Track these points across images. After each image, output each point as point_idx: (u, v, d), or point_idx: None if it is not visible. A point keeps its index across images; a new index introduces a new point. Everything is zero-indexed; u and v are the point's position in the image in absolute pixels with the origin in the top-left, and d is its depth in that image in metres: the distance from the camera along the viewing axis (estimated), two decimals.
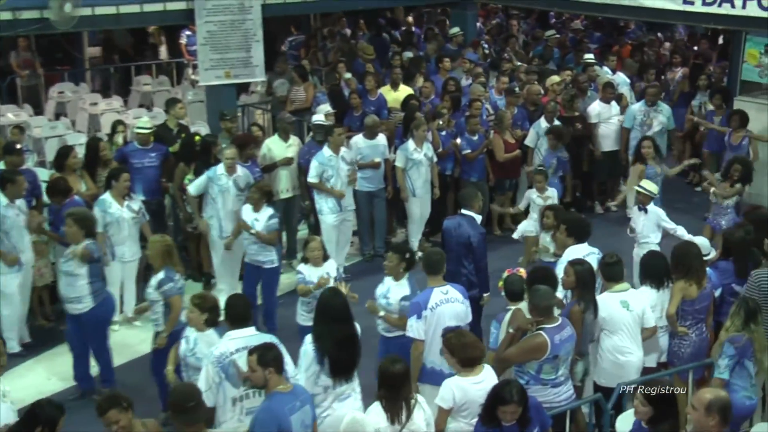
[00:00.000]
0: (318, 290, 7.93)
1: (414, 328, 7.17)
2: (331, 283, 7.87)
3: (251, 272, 9.65)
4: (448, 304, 7.23)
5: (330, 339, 6.47)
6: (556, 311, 6.83)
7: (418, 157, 11.35)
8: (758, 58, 13.52)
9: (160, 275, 7.85)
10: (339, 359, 6.47)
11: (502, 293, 7.44)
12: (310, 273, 8.36)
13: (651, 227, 9.59)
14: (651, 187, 9.76)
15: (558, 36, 17.62)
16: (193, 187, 10.34)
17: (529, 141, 12.26)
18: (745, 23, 13.32)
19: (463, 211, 8.84)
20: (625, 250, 9.09)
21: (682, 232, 9.40)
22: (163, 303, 7.84)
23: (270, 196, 9.68)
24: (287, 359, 6.44)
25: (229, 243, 10.06)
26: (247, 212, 9.58)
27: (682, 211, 12.54)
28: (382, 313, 7.65)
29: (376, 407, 5.91)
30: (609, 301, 7.32)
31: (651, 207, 9.65)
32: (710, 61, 16.89)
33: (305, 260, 8.48)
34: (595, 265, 7.93)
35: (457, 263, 8.50)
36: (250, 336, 6.58)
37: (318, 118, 11.46)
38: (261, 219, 9.46)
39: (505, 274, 7.53)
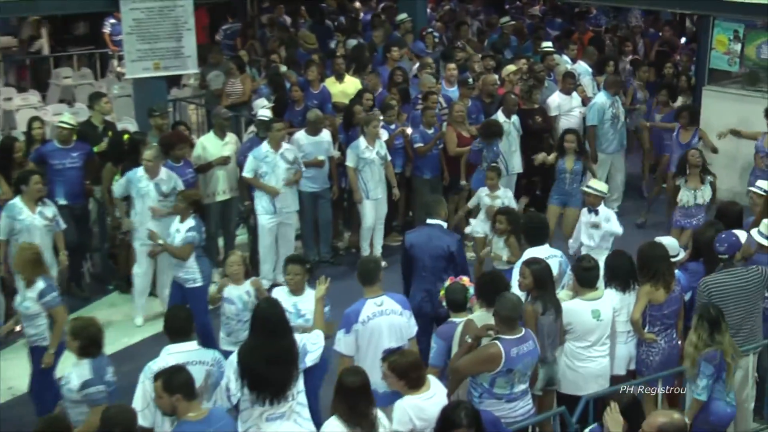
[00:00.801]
0: (242, 311, 7.95)
1: (341, 343, 7.12)
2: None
3: (176, 290, 9.39)
4: (383, 317, 7.15)
5: (259, 353, 6.37)
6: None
7: (370, 155, 11.36)
8: (727, 44, 13.70)
9: (40, 285, 7.73)
10: (265, 376, 6.36)
11: (443, 303, 7.44)
12: (230, 291, 8.18)
13: (601, 230, 9.63)
14: (601, 186, 9.82)
15: (514, 23, 17.71)
16: (116, 188, 10.26)
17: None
18: (712, 7, 13.55)
19: (428, 221, 8.73)
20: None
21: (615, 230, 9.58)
22: (45, 315, 7.73)
23: (198, 206, 9.47)
24: (230, 374, 6.38)
25: (153, 252, 9.92)
26: (175, 224, 9.42)
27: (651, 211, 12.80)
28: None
29: (333, 421, 5.88)
30: (579, 309, 7.38)
31: (602, 208, 9.70)
32: (676, 48, 17.13)
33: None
34: (556, 269, 8.02)
35: (434, 281, 8.38)
36: (190, 351, 6.55)
37: (263, 113, 11.40)
38: (183, 230, 9.28)
39: (447, 283, 7.53)
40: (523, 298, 7.09)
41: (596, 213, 9.66)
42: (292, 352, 6.52)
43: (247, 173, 10.84)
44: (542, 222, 8.63)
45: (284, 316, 6.64)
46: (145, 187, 10.05)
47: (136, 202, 10.11)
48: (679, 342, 7.71)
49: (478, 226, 10.45)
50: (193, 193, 9.69)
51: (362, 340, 7.10)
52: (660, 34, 18.20)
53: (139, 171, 10.10)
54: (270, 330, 6.45)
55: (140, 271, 10.37)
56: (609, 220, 9.69)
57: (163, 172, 10.16)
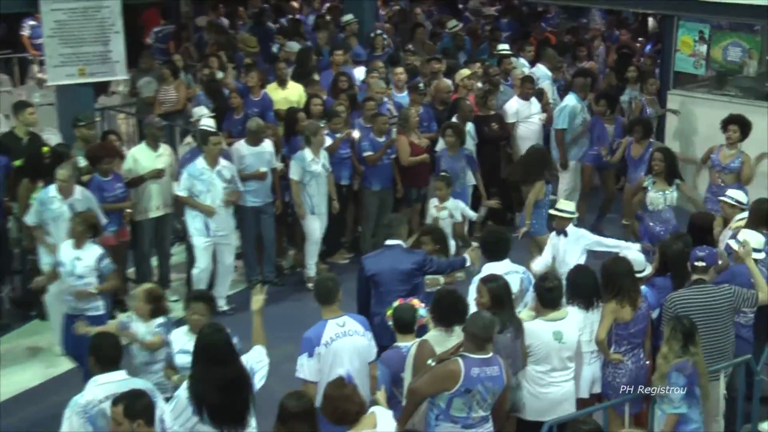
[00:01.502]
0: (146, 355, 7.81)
1: (305, 368, 7.10)
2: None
3: (68, 324, 8.77)
4: (347, 338, 7.17)
5: (209, 383, 6.35)
6: None
7: (316, 168, 11.35)
8: (692, 46, 13.87)
9: None
10: (222, 405, 6.36)
11: (390, 323, 7.43)
12: (137, 328, 7.87)
13: (574, 252, 9.44)
14: (568, 206, 9.66)
15: (459, 26, 17.60)
16: (29, 217, 10.02)
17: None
18: (676, 7, 13.70)
19: (388, 242, 8.61)
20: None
21: (626, 249, 8.85)
22: None
23: (96, 230, 9.13)
24: (163, 407, 6.36)
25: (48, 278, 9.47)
26: (67, 249, 8.96)
27: (613, 222, 12.91)
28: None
29: None
30: (540, 330, 7.42)
31: (571, 229, 9.58)
32: (635, 51, 17.30)
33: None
34: (517, 286, 8.05)
35: None
36: (120, 381, 6.48)
37: (206, 122, 11.28)
38: (86, 259, 8.88)
39: (396, 303, 7.51)
40: None
41: (565, 235, 9.56)
42: (244, 376, 6.51)
43: (180, 191, 10.75)
44: (501, 236, 8.63)
45: (230, 341, 6.60)
46: (57, 208, 9.83)
47: (50, 225, 9.86)
48: (647, 362, 7.77)
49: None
50: (90, 216, 9.24)
51: (324, 363, 7.10)
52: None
53: (51, 190, 9.89)
54: (216, 357, 6.43)
55: (50, 299, 10.04)
56: (581, 238, 9.55)
57: (78, 192, 9.97)
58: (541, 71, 14.70)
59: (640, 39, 18.77)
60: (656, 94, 14.00)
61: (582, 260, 9.23)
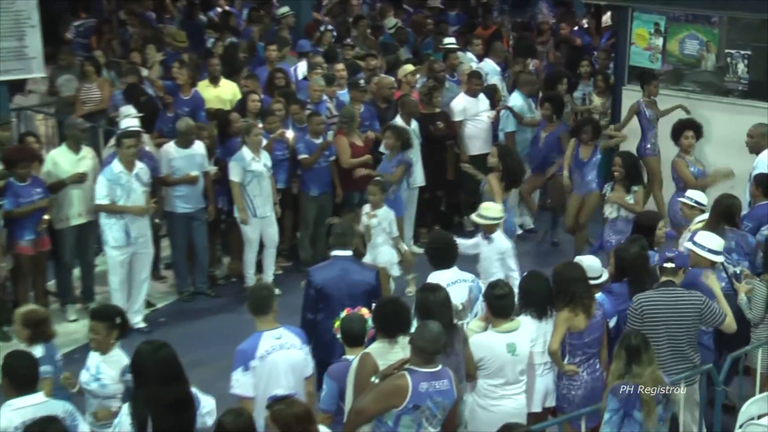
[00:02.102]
0: None
1: (240, 383, 7.07)
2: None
3: None
4: (283, 351, 7.16)
5: (155, 404, 6.21)
6: None
7: (257, 168, 11.33)
8: (648, 39, 13.99)
9: None
10: (174, 427, 6.24)
11: (338, 336, 7.41)
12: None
13: (493, 260, 9.50)
14: (491, 212, 9.65)
15: (398, 25, 17.65)
16: None
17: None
18: None
19: (336, 252, 8.57)
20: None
21: (516, 278, 9.10)
22: None
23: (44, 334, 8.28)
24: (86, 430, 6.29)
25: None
26: None
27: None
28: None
29: None
30: (493, 343, 7.43)
31: (498, 235, 9.60)
32: (574, 45, 17.35)
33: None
34: (465, 295, 8.11)
35: None
36: (37, 404, 6.39)
37: (130, 123, 11.20)
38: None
39: (344, 314, 7.48)
40: None
41: (489, 241, 9.53)
42: (189, 397, 6.40)
43: (101, 199, 10.58)
44: (448, 242, 8.66)
45: (174, 355, 6.45)
46: None
47: None
48: (604, 373, 7.80)
49: (383, 255, 10.50)
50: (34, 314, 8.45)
51: (260, 378, 7.07)
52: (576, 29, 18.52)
53: None
54: (155, 376, 6.29)
55: None
56: (504, 249, 9.55)
57: None
58: (490, 66, 14.81)
59: (576, 30, 18.80)
60: (607, 89, 14.17)
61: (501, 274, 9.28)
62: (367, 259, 10.35)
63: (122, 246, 10.70)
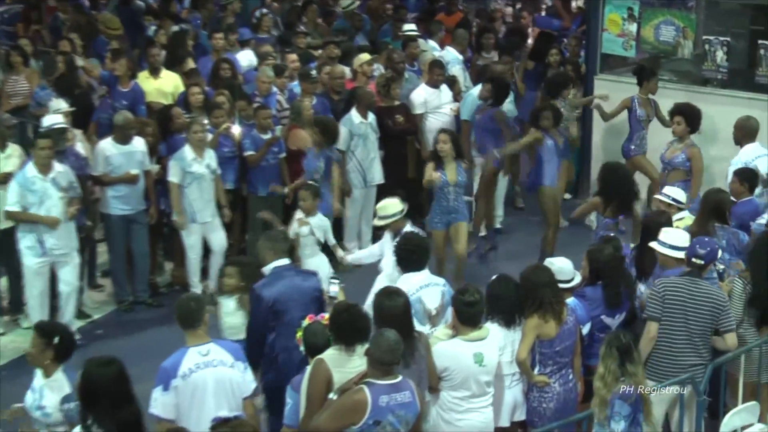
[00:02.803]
0: None
1: (159, 404, 6.97)
2: None
3: None
4: (209, 369, 7.06)
5: (107, 425, 6.18)
6: None
7: (198, 169, 11.28)
8: (621, 25, 14.08)
9: None
10: None
11: (301, 347, 7.41)
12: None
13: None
14: (390, 209, 9.57)
15: (354, 5, 17.55)
16: None
17: (340, 143, 12.33)
18: None
19: (277, 263, 8.41)
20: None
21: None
22: None
23: None
24: None
25: None
26: None
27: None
28: None
29: None
30: (459, 353, 7.42)
31: (407, 231, 9.41)
32: (526, 37, 17.39)
33: None
34: (437, 300, 8.19)
35: None
36: None
37: (53, 120, 11.13)
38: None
39: (306, 322, 7.48)
40: None
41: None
42: (140, 421, 6.38)
43: (11, 206, 10.35)
44: (418, 243, 8.66)
45: (124, 373, 6.42)
46: None
47: None
48: (578, 384, 7.86)
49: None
50: None
51: (183, 398, 6.99)
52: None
53: None
54: (103, 396, 6.26)
55: None
56: None
57: None
58: (452, 55, 14.82)
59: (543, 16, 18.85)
60: (581, 81, 14.22)
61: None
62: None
63: (37, 254, 10.46)
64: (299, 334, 7.47)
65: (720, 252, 8.57)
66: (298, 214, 10.56)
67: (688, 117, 11.63)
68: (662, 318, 7.90)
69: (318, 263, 10.12)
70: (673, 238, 8.49)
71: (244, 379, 7.22)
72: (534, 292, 7.76)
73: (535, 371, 7.75)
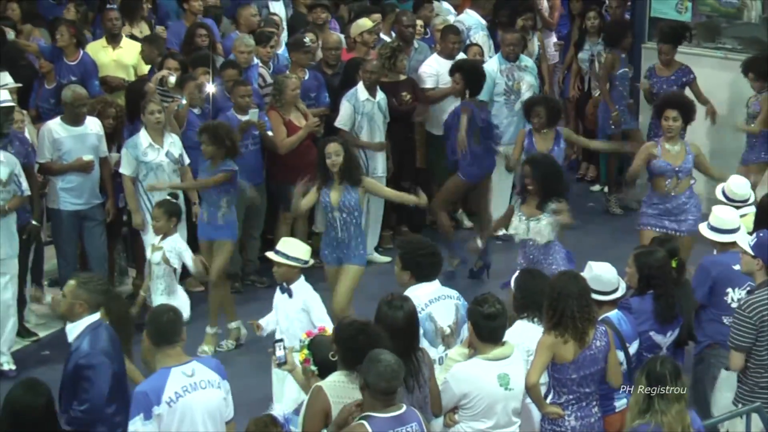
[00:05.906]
0: None
1: None
2: None
3: None
4: (197, 393, 7.11)
5: None
6: None
7: (155, 158, 11.25)
8: None
9: None
10: None
11: (311, 367, 7.44)
12: None
13: (293, 318, 9.18)
14: (298, 251, 9.14)
15: None
16: None
17: (341, 122, 12.34)
18: None
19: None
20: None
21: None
22: None
23: None
24: None
25: None
26: None
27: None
28: None
29: None
30: (479, 373, 7.39)
31: (299, 284, 9.25)
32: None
33: None
34: (452, 316, 8.20)
35: None
36: None
37: (4, 97, 11.06)
38: None
39: (304, 337, 7.58)
40: None
41: (289, 294, 9.14)
42: None
43: None
44: (431, 249, 8.63)
45: (51, 404, 6.58)
46: None
47: None
48: (602, 419, 7.76)
49: None
50: None
51: (168, 427, 7.02)
52: None
53: None
54: (29, 424, 6.49)
55: None
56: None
57: None
58: (473, 19, 14.77)
59: None
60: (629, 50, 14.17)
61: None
62: None
63: None
64: (304, 352, 7.51)
65: None
66: (154, 239, 10.38)
67: (685, 110, 11.21)
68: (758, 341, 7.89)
69: (178, 304, 9.28)
70: (721, 221, 8.69)
71: (227, 401, 7.33)
72: (556, 302, 7.56)
73: (548, 400, 7.65)
